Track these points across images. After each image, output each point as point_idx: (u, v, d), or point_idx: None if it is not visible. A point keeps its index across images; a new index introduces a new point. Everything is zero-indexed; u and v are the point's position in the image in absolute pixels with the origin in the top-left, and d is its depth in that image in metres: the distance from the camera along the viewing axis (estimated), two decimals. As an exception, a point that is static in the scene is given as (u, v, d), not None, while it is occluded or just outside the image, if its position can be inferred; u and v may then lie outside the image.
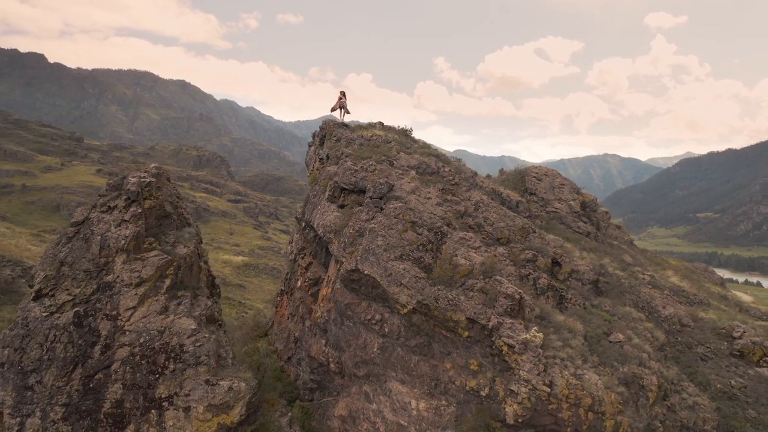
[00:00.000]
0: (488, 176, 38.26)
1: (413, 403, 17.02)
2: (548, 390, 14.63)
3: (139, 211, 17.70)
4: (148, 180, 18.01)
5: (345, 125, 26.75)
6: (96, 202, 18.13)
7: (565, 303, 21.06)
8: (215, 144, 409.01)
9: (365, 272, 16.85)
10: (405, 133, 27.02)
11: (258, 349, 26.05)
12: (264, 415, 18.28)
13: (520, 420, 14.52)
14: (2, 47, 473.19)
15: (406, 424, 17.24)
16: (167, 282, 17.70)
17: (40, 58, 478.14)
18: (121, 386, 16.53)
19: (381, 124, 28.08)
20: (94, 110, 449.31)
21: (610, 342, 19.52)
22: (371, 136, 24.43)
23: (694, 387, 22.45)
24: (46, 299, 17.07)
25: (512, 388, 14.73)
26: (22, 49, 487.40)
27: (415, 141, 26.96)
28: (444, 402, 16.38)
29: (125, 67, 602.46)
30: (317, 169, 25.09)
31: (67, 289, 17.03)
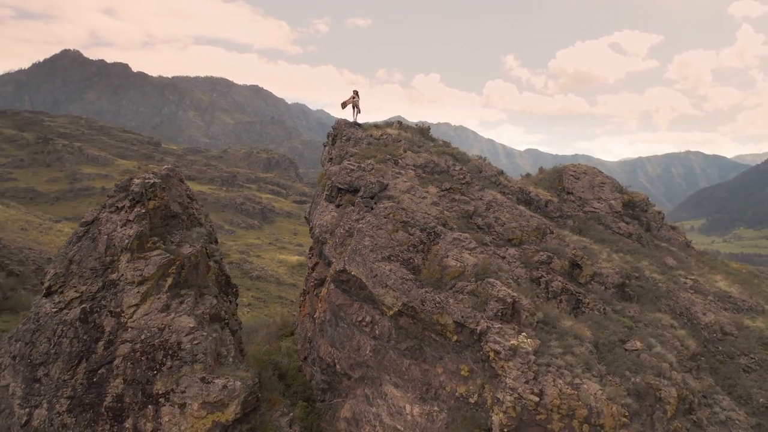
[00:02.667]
0: (528, 175, 37.06)
1: (407, 407, 16.60)
2: (537, 399, 13.84)
3: (143, 211, 18.21)
4: (152, 181, 18.51)
5: (358, 124, 26.59)
6: (105, 202, 18.81)
7: (582, 308, 19.98)
8: (286, 146, 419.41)
9: (352, 273, 16.59)
10: (421, 132, 26.52)
11: (280, 348, 26.30)
12: (264, 415, 18.35)
13: (505, 430, 13.81)
14: (91, 58, 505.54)
15: (402, 429, 16.85)
16: (169, 281, 18.11)
17: (124, 67, 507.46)
18: (122, 381, 17.03)
19: (399, 123, 27.71)
20: (173, 116, 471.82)
21: (625, 350, 18.33)
22: (381, 135, 24.13)
23: (730, 400, 20.77)
24: (55, 296, 17.87)
25: (498, 396, 14.05)
26: (109, 60, 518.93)
27: (432, 140, 26.41)
28: (436, 408, 15.87)
29: (202, 74, 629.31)
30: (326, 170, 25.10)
31: (75, 287, 17.76)
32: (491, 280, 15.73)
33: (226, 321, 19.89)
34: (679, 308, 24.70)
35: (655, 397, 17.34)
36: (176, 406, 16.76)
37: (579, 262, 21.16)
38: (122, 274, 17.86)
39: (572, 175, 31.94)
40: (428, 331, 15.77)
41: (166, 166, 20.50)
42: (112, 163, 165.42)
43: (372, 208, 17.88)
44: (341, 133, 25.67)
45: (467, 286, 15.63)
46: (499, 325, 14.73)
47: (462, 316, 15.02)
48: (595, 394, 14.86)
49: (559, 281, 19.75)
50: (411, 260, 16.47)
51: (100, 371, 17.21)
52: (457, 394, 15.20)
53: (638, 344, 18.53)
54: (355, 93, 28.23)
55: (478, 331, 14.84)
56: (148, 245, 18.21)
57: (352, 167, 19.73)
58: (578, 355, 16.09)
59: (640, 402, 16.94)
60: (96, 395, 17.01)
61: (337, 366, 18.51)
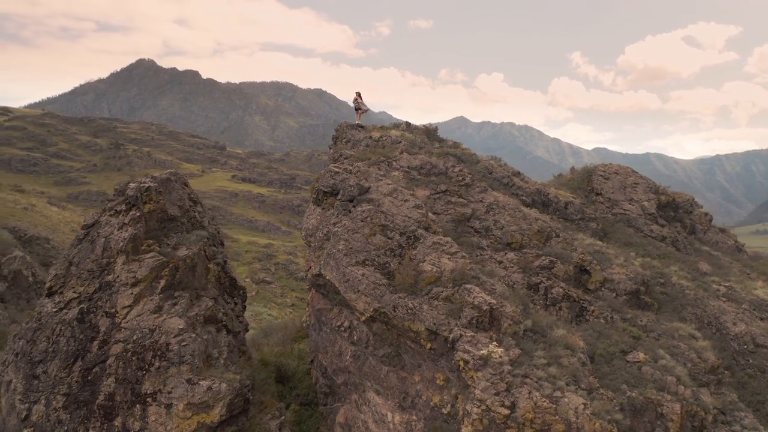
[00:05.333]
0: (559, 175, 35.74)
1: (389, 415, 16.21)
2: (506, 412, 13.14)
3: (138, 214, 18.66)
4: (147, 185, 18.95)
5: (361, 126, 26.33)
6: (105, 206, 19.41)
7: (586, 315, 18.96)
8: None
9: (327, 277, 16.35)
10: (428, 133, 25.92)
11: (293, 350, 26.41)
12: (253, 417, 18.40)
13: (473, 443, 13.20)
14: (164, 67, 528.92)
15: (386, 436, 16.49)
16: (162, 282, 18.46)
17: (195, 74, 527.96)
18: (114, 380, 17.48)
19: (407, 124, 27.24)
20: (240, 120, 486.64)
21: (627, 362, 17.24)
22: (380, 137, 23.74)
23: (754, 418, 19.20)
24: (56, 296, 18.59)
25: (467, 407, 13.46)
26: (181, 68, 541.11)
27: (439, 141, 25.75)
28: (414, 417, 15.40)
29: (268, 80, 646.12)
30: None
31: (74, 287, 18.41)
32: (468, 286, 15.09)
33: (224, 323, 20.08)
34: (707, 317, 23.07)
35: (656, 413, 16.21)
36: (162, 406, 17.05)
37: (587, 268, 20.11)
38: (118, 276, 18.37)
39: (601, 176, 30.51)
40: (403, 338, 15.33)
41: (169, 171, 20.97)
42: (177, 166, 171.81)
43: (350, 212, 17.59)
44: (342, 135, 25.55)
45: (443, 292, 15.06)
46: (472, 334, 14.10)
47: (434, 323, 14.49)
48: (577, 408, 13.97)
49: (561, 287, 18.81)
50: (387, 265, 16.05)
51: (94, 370, 17.74)
52: (432, 403, 14.70)
53: (641, 356, 17.38)
54: (358, 95, 28.14)
55: (450, 339, 14.28)
56: (143, 248, 18.65)
57: (337, 170, 19.50)
58: (566, 367, 15.21)
59: (635, 418, 15.86)
60: (90, 393, 17.55)
61: (328, 370, 18.35)
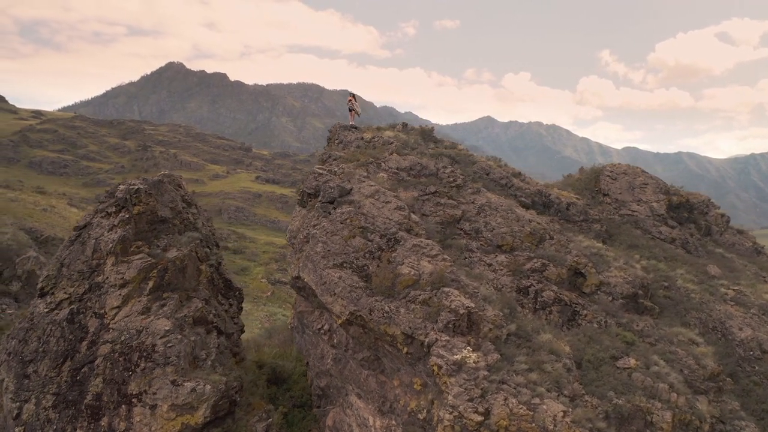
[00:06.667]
0: (569, 175, 35.07)
1: (371, 419, 16.01)
2: (480, 419, 12.83)
3: (127, 216, 18.81)
4: (136, 187, 19.10)
5: (354, 127, 26.14)
6: (97, 207, 19.62)
7: (579, 320, 18.48)
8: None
9: (305, 280, 16.21)
10: (424, 134, 25.59)
11: (292, 351, 26.38)
12: (240, 419, 18.39)
13: (446, 450, 12.92)
14: (193, 69, 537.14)
15: (369, 441, 16.30)
16: (150, 284, 18.58)
17: (223, 77, 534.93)
18: (101, 380, 17.65)
19: (403, 124, 26.93)
20: (267, 122, 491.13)
21: (616, 368, 16.74)
22: (372, 138, 23.49)
23: (755, 426, 18.52)
24: (48, 297, 18.84)
25: (440, 413, 13.19)
26: (209, 70, 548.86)
27: (435, 141, 25.40)
28: (393, 422, 15.17)
29: (294, 81, 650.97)
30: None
31: (64, 288, 18.64)
32: (447, 289, 14.78)
33: (215, 324, 20.13)
34: (712, 322, 22.34)
35: (645, 422, 15.69)
36: (147, 407, 17.16)
37: (582, 270, 19.61)
38: (107, 277, 18.54)
39: (609, 176, 29.83)
40: (381, 342, 15.10)
41: (162, 173, 21.11)
42: (203, 168, 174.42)
43: (330, 213, 17.43)
44: (334, 137, 25.42)
45: (420, 295, 14.79)
46: (447, 338, 13.80)
47: (410, 327, 14.23)
48: (555, 416, 13.59)
49: (552, 291, 18.36)
50: (365, 267, 15.83)
51: (83, 370, 17.94)
52: (409, 408, 14.44)
53: (632, 362, 16.85)
54: (353, 97, 28.08)
55: (426, 343, 14.02)
56: (132, 249, 18.80)
57: (320, 171, 19.35)
58: (548, 373, 14.83)
59: (622, 427, 15.36)
60: (78, 393, 17.74)
61: (311, 373, 18.23)
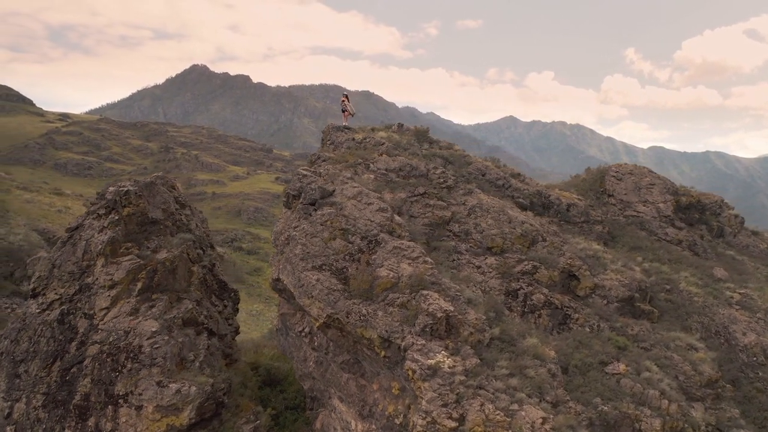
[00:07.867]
0: (576, 176, 34.48)
1: (353, 423, 15.84)
2: (453, 425, 12.57)
3: (117, 218, 18.93)
4: (126, 189, 19.20)
5: (347, 128, 25.95)
6: (89, 209, 19.78)
7: (570, 323, 18.07)
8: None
9: (284, 282, 16.09)
10: (419, 134, 25.26)
11: (290, 353, 26.29)
12: (227, 421, 18.35)
13: (420, 456, 12.69)
14: (216, 72, 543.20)
15: (352, 445, 16.14)
16: (139, 285, 18.66)
17: (246, 79, 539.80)
18: (90, 381, 17.77)
19: (399, 125, 26.68)
20: (289, 123, 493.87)
21: (605, 373, 16.31)
22: (363, 139, 23.28)
23: (754, 436, 17.92)
24: (39, 297, 19.05)
25: (414, 419, 12.96)
26: (232, 73, 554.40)
27: (430, 142, 25.07)
28: (374, 426, 14.98)
29: (317, 83, 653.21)
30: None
31: (55, 289, 18.83)
32: (426, 292, 14.54)
33: (206, 326, 20.14)
34: (714, 326, 21.69)
35: (632, 429, 15.26)
36: (133, 407, 17.20)
37: (575, 273, 19.18)
38: (96, 278, 18.68)
39: (614, 176, 29.22)
40: (359, 345, 14.92)
41: (156, 174, 21.20)
42: (223, 169, 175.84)
43: (310, 215, 17.28)
44: (327, 138, 25.27)
45: (399, 298, 14.57)
46: (423, 342, 13.57)
47: (387, 331, 14.02)
48: (534, 422, 13.26)
49: (543, 294, 17.99)
50: (344, 270, 15.65)
51: (72, 370, 18.09)
52: (387, 413, 14.24)
53: (621, 367, 16.41)
54: (345, 97, 27.95)
55: (402, 347, 13.80)
56: (121, 250, 18.90)
57: (305, 173, 19.23)
58: (531, 378, 14.50)
59: (608, 434, 14.95)
60: (67, 393, 17.89)
61: (295, 376, 18.13)
